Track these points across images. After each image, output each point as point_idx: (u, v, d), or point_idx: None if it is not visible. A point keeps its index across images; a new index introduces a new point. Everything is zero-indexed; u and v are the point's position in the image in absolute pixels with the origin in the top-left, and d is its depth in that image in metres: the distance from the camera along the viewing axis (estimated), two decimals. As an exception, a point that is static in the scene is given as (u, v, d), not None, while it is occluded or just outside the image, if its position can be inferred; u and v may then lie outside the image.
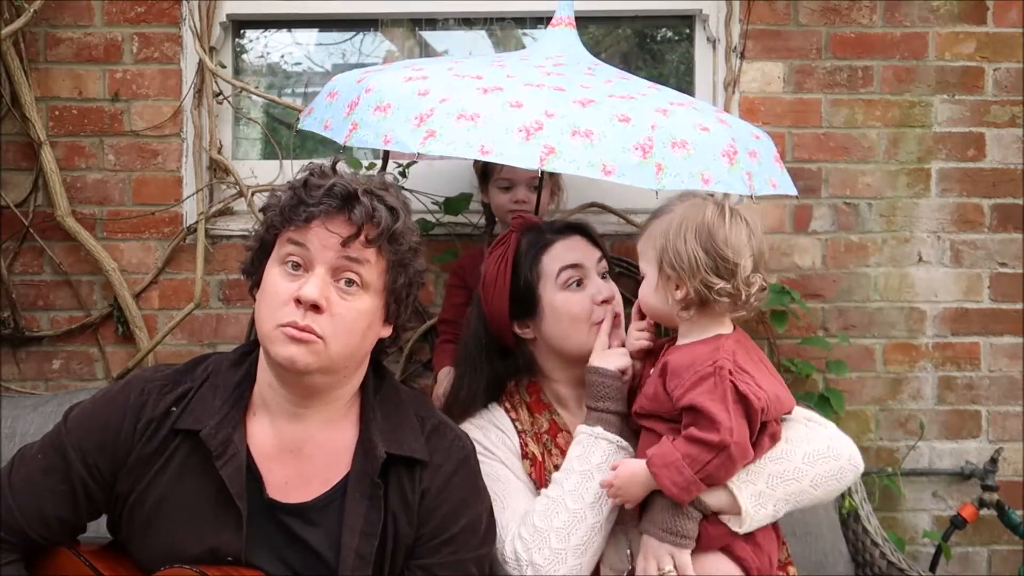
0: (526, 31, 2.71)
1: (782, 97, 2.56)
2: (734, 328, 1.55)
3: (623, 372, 1.62)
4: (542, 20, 2.57)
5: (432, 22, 2.69)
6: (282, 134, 2.67)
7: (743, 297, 1.47)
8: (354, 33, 2.73)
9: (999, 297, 2.59)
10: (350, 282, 1.37)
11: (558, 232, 1.72)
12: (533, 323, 1.70)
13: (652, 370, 1.57)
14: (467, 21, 2.68)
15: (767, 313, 2.43)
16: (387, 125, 1.52)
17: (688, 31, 2.69)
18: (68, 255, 2.50)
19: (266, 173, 2.51)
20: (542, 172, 2.10)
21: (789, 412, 1.57)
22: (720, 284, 1.45)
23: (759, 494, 1.47)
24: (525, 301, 1.69)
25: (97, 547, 1.47)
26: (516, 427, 1.69)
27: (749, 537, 1.49)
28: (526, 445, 1.67)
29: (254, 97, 2.63)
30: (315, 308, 1.34)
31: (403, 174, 2.43)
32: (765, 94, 2.56)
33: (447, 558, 1.44)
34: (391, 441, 1.44)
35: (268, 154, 2.65)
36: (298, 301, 1.34)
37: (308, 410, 1.43)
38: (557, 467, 1.61)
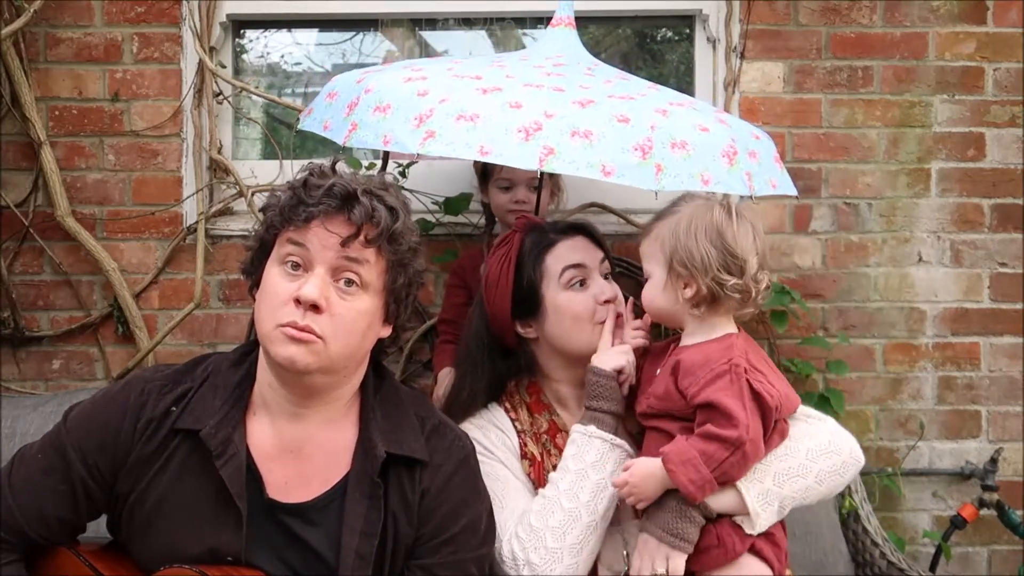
0: (526, 31, 2.71)
1: (782, 97, 2.56)
2: (739, 328, 1.57)
3: (620, 372, 1.62)
4: (542, 20, 2.57)
5: (432, 22, 2.69)
6: (282, 134, 2.67)
7: (753, 294, 1.50)
8: (354, 33, 2.73)
9: (999, 297, 2.59)
10: (350, 282, 1.37)
11: (561, 232, 1.73)
12: (536, 323, 1.70)
13: (659, 369, 1.58)
14: (467, 21, 2.68)
15: (767, 313, 2.44)
16: (386, 125, 1.52)
17: (688, 31, 2.69)
18: (68, 255, 2.50)
19: (266, 173, 2.51)
20: (541, 172, 2.10)
21: (795, 411, 1.58)
22: (732, 281, 1.48)
23: (766, 492, 1.47)
24: (528, 301, 1.69)
25: (97, 547, 1.47)
26: (516, 427, 1.70)
27: (767, 536, 1.50)
28: (525, 445, 1.68)
29: (254, 97, 2.63)
30: (315, 308, 1.34)
31: (403, 174, 2.43)
32: (765, 94, 2.56)
33: (447, 558, 1.44)
34: (391, 441, 1.44)
35: (268, 154, 2.65)
36: (298, 301, 1.34)
37: (308, 410, 1.43)
38: (556, 467, 1.61)
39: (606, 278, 1.72)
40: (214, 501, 1.38)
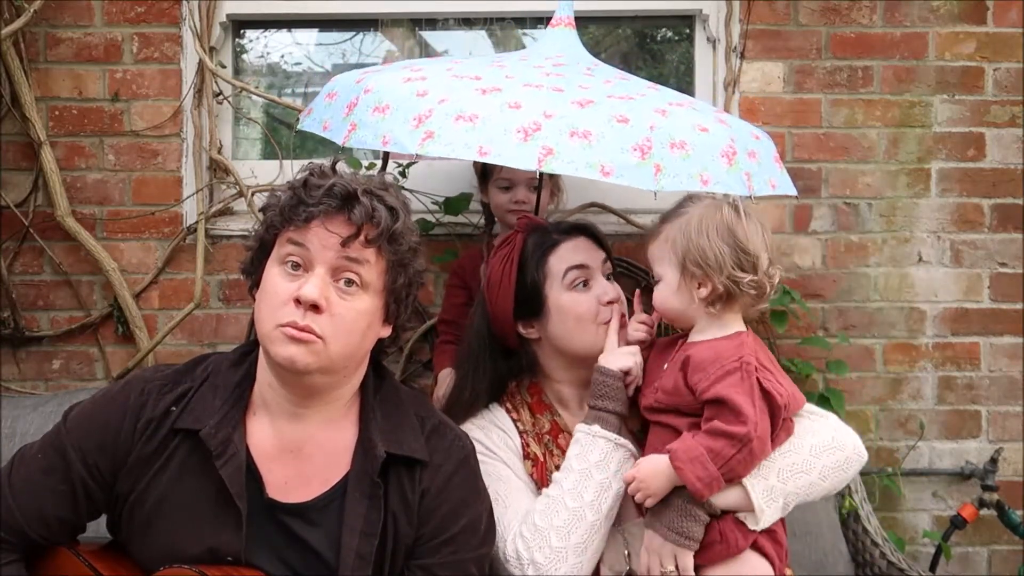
0: (526, 31, 2.71)
1: (782, 97, 2.56)
2: (748, 327, 1.58)
3: (626, 372, 1.62)
4: (542, 20, 2.57)
5: (432, 22, 2.70)
6: (282, 134, 2.68)
7: (768, 289, 1.53)
8: (354, 33, 2.73)
9: (999, 297, 2.59)
10: (350, 282, 1.37)
11: (564, 233, 1.73)
12: (538, 323, 1.70)
13: (666, 364, 1.58)
14: (467, 21, 2.68)
15: (767, 313, 2.43)
16: (386, 126, 1.52)
17: (688, 31, 2.69)
18: (68, 255, 2.50)
19: (266, 173, 2.51)
20: (541, 173, 2.10)
21: (801, 409, 1.59)
22: (748, 278, 1.50)
23: (770, 489, 1.48)
24: (531, 301, 1.69)
25: (97, 547, 1.47)
26: (518, 427, 1.70)
27: (770, 532, 1.51)
28: (528, 445, 1.68)
29: (254, 97, 2.63)
30: (315, 308, 1.34)
31: (403, 174, 2.43)
32: (765, 94, 2.56)
33: (447, 558, 1.44)
34: (391, 441, 1.44)
35: (268, 154, 2.65)
36: (298, 301, 1.34)
37: (308, 410, 1.44)
38: (559, 467, 1.61)
39: (608, 279, 1.72)
40: (214, 501, 1.38)
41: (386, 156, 2.17)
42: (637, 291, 1.67)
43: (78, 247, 2.48)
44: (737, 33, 2.55)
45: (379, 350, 1.50)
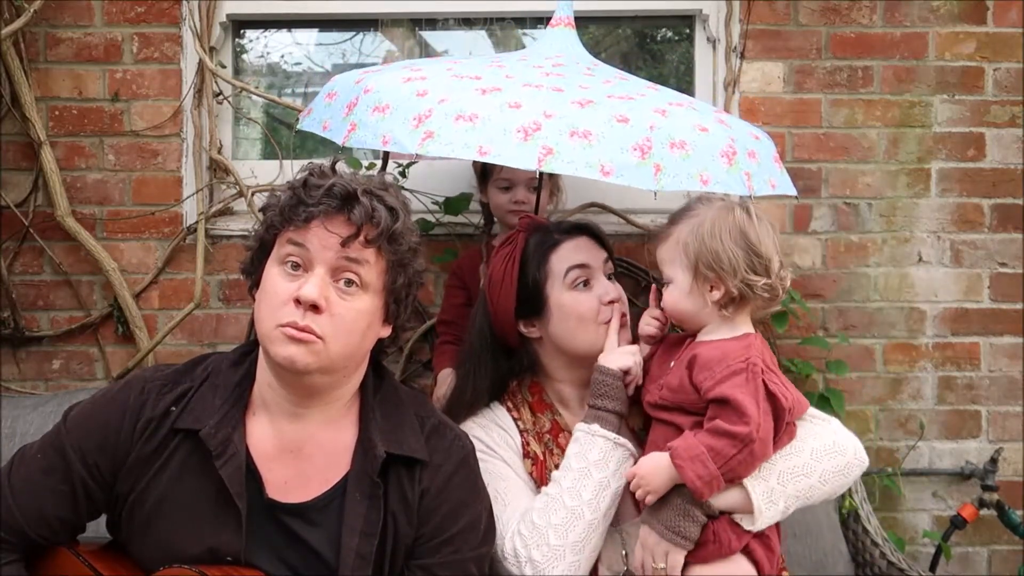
0: (526, 31, 2.71)
1: (782, 97, 2.56)
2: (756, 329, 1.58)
3: (626, 372, 1.62)
4: (542, 20, 2.56)
5: (432, 22, 2.70)
6: (282, 134, 2.67)
7: (780, 292, 1.53)
8: (354, 33, 2.73)
9: (999, 297, 2.59)
10: (349, 282, 1.37)
11: (565, 232, 1.73)
12: (539, 322, 1.71)
13: (673, 361, 1.58)
14: (467, 21, 2.68)
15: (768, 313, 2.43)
16: (385, 126, 1.52)
17: (688, 31, 2.69)
18: (68, 255, 2.50)
19: (266, 173, 2.51)
20: (541, 173, 2.10)
21: (804, 413, 1.59)
22: (762, 281, 1.50)
23: (770, 491, 1.48)
24: (532, 300, 1.69)
25: (97, 547, 1.47)
26: (518, 426, 1.70)
27: (762, 537, 1.51)
28: (528, 444, 1.68)
29: (254, 97, 2.63)
30: (314, 308, 1.34)
31: (403, 174, 2.43)
32: (765, 94, 2.56)
33: (447, 558, 1.45)
34: (391, 441, 1.44)
35: (268, 154, 2.65)
36: (298, 301, 1.34)
37: (308, 410, 1.44)
38: (558, 466, 1.61)
39: (609, 278, 1.73)
40: (214, 501, 1.39)
41: (386, 156, 2.17)
42: (654, 286, 1.67)
43: (78, 247, 2.48)
44: (737, 33, 2.55)
45: (379, 350, 1.50)
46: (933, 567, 2.44)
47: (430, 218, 2.44)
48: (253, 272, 1.46)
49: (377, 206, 1.37)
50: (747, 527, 1.48)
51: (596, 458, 1.57)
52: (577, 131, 1.44)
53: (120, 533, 1.46)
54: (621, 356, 1.63)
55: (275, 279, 1.38)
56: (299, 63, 2.76)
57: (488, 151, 1.43)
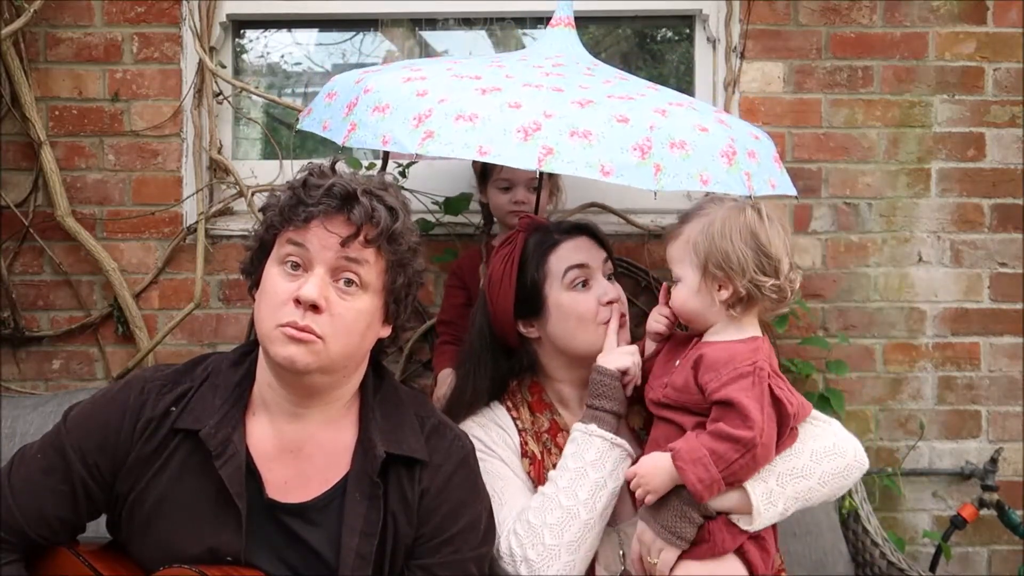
0: (526, 31, 2.71)
1: (782, 97, 2.56)
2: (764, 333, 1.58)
3: (624, 372, 1.62)
4: (542, 20, 2.56)
5: (432, 22, 2.70)
6: (282, 134, 2.68)
7: (789, 294, 1.53)
8: (354, 33, 2.73)
9: (999, 297, 2.59)
10: (349, 282, 1.37)
11: (565, 232, 1.73)
12: (538, 323, 1.71)
13: (678, 360, 1.58)
14: (467, 21, 2.68)
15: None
16: (385, 126, 1.52)
17: (688, 31, 2.69)
18: (68, 255, 2.50)
19: (266, 173, 2.51)
20: (541, 173, 2.10)
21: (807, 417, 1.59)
22: (771, 282, 1.49)
23: (770, 492, 1.47)
24: (531, 300, 1.69)
25: (97, 547, 1.47)
26: (517, 426, 1.70)
27: (757, 539, 1.51)
28: (526, 444, 1.68)
29: (254, 97, 2.63)
30: (314, 308, 1.34)
31: (403, 174, 2.43)
32: (765, 94, 2.56)
33: (447, 558, 1.44)
34: (391, 441, 1.44)
35: (268, 154, 2.65)
36: (297, 301, 1.34)
37: (308, 410, 1.44)
38: (556, 466, 1.61)
39: (609, 279, 1.72)
40: (214, 501, 1.39)
41: (386, 156, 2.17)
42: (664, 284, 1.67)
43: (78, 247, 2.48)
44: (737, 33, 2.55)
45: (379, 350, 1.50)
46: (933, 567, 2.43)
47: (430, 218, 2.44)
48: (253, 272, 1.46)
49: (377, 206, 1.37)
50: (745, 527, 1.48)
51: (593, 458, 1.57)
52: (577, 131, 1.44)
53: (120, 533, 1.46)
54: (620, 356, 1.63)
55: (275, 279, 1.38)
56: (299, 63, 2.76)
57: (488, 151, 1.43)
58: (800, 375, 2.46)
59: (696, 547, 1.49)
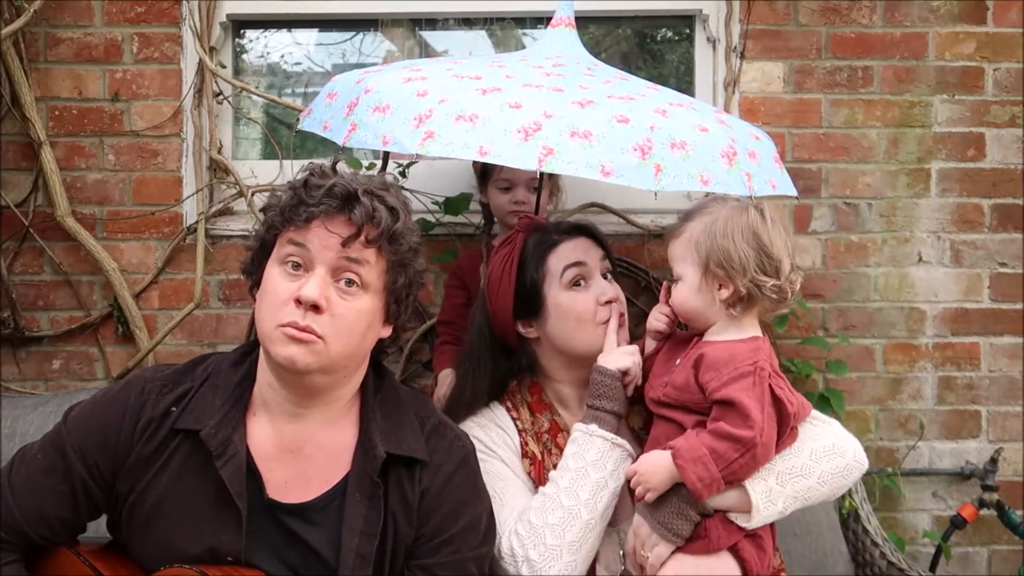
0: (526, 31, 2.72)
1: (782, 97, 2.56)
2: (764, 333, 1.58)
3: (625, 372, 1.62)
4: (542, 20, 2.57)
5: (432, 22, 2.70)
6: (282, 134, 2.67)
7: (789, 294, 1.53)
8: (354, 33, 2.73)
9: (999, 297, 2.59)
10: (350, 282, 1.37)
11: (564, 233, 1.73)
12: (537, 323, 1.71)
13: (679, 359, 1.58)
14: (467, 21, 2.68)
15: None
16: (386, 126, 1.52)
17: (688, 31, 2.69)
18: (68, 255, 2.50)
19: (266, 173, 2.51)
20: (541, 173, 2.10)
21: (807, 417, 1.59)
22: (771, 282, 1.50)
23: (769, 491, 1.47)
24: (530, 300, 1.69)
25: (97, 547, 1.47)
26: (517, 426, 1.70)
27: (754, 537, 1.51)
28: (526, 444, 1.68)
29: (254, 97, 2.63)
30: (315, 308, 1.34)
31: (403, 174, 2.43)
32: (765, 94, 2.56)
33: (447, 558, 1.44)
34: (391, 441, 1.44)
35: (268, 154, 2.65)
36: (298, 301, 1.34)
37: (308, 410, 1.44)
38: (556, 466, 1.62)
39: (607, 278, 1.72)
40: (214, 501, 1.39)
41: (386, 156, 2.18)
42: (665, 283, 1.67)
43: (78, 247, 2.48)
44: (737, 33, 2.55)
45: (379, 350, 1.50)
46: (933, 567, 2.44)
47: (430, 218, 2.44)
48: (254, 272, 1.46)
49: (378, 206, 1.37)
50: (743, 525, 1.48)
51: (593, 458, 1.57)
52: (577, 131, 1.45)
53: (120, 533, 1.46)
54: (620, 357, 1.63)
55: (276, 279, 1.38)
56: (299, 63, 2.76)
57: (488, 151, 1.43)
58: (800, 375, 2.47)
59: (691, 543, 1.49)
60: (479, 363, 1.74)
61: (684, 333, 1.67)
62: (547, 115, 1.46)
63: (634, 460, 1.57)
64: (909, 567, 2.12)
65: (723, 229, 1.51)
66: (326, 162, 1.44)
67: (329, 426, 1.46)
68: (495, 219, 2.34)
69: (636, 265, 2.49)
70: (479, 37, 2.71)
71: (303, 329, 1.33)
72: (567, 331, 1.68)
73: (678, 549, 1.49)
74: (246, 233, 2.42)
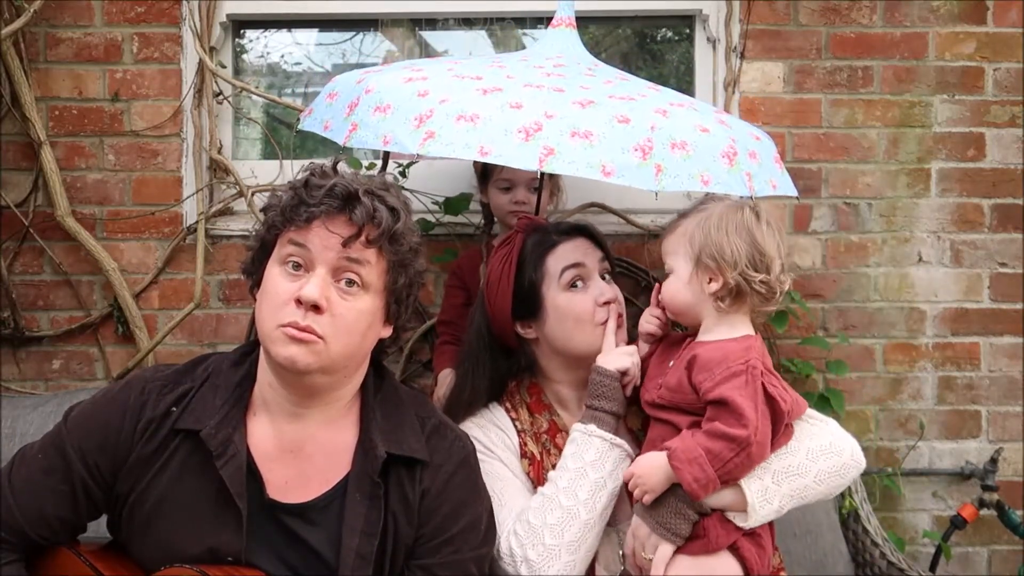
0: (526, 31, 2.72)
1: (782, 97, 2.56)
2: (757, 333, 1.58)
3: (624, 373, 1.62)
4: (542, 20, 2.57)
5: (432, 22, 2.69)
6: (282, 134, 2.67)
7: (777, 292, 1.54)
8: (354, 33, 2.73)
9: (999, 297, 2.59)
10: (351, 282, 1.37)
11: (563, 233, 1.73)
12: (536, 323, 1.71)
13: (672, 361, 1.59)
14: (467, 21, 2.68)
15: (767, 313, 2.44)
16: (387, 126, 1.52)
17: (688, 31, 2.69)
18: (68, 255, 2.50)
19: (266, 173, 2.51)
20: (542, 173, 2.10)
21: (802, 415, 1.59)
22: (760, 276, 1.51)
23: (765, 490, 1.47)
24: (529, 301, 1.69)
25: (97, 547, 1.47)
26: (516, 426, 1.70)
27: (754, 536, 1.51)
28: (525, 444, 1.68)
29: (254, 97, 2.63)
30: (315, 308, 1.34)
31: (403, 174, 2.43)
32: (765, 94, 2.56)
33: (447, 558, 1.44)
34: (391, 441, 1.44)
35: (268, 154, 2.65)
36: (299, 301, 1.34)
37: (308, 410, 1.44)
38: (555, 467, 1.62)
39: (605, 279, 1.72)
40: (214, 501, 1.39)
41: (386, 156, 2.17)
42: (657, 284, 1.68)
43: (78, 247, 2.48)
44: (737, 33, 2.55)
45: (379, 350, 1.50)
46: (933, 567, 2.44)
47: (430, 218, 2.44)
48: (254, 272, 1.46)
49: (378, 206, 1.37)
50: (740, 524, 1.48)
51: (592, 458, 1.57)
52: (578, 131, 1.45)
53: (120, 533, 1.46)
54: (619, 357, 1.64)
55: (276, 279, 1.38)
56: (299, 63, 2.76)
57: (489, 151, 1.43)
58: (800, 375, 2.47)
59: (691, 543, 1.49)
60: (478, 363, 1.74)
61: (677, 335, 1.68)
62: (548, 115, 1.46)
63: (633, 460, 1.57)
64: (909, 567, 2.12)
65: (717, 224, 1.53)
66: (327, 162, 1.44)
67: (329, 426, 1.46)
68: (495, 219, 2.34)
69: (636, 265, 2.49)
70: (479, 37, 2.71)
71: (303, 329, 1.33)
72: (566, 332, 1.68)
73: (678, 549, 1.49)
74: (246, 233, 2.42)
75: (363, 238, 1.36)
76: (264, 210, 1.46)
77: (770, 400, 1.47)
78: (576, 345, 1.68)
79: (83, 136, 2.50)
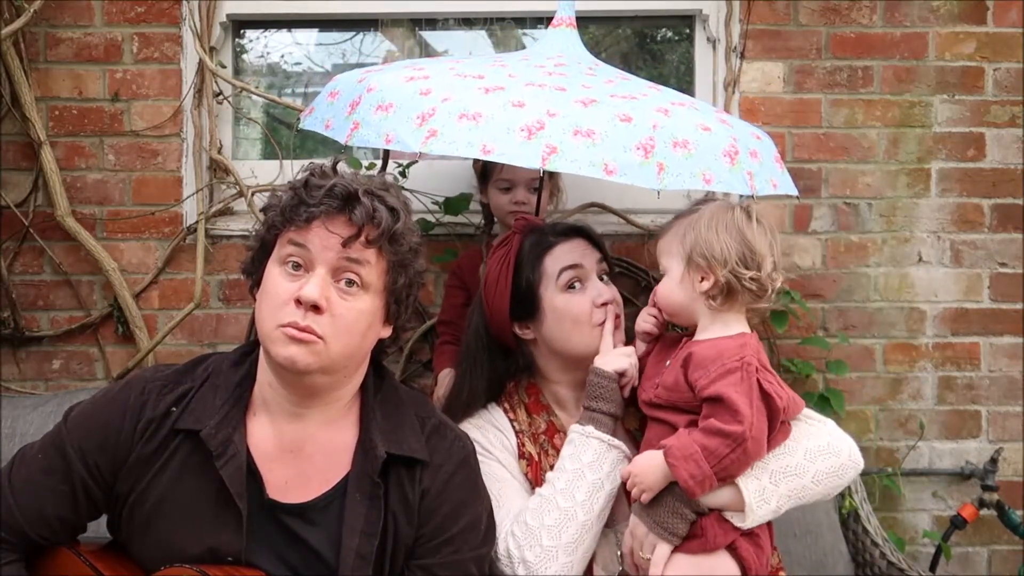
0: (526, 31, 2.72)
1: (782, 97, 2.56)
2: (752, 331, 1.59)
3: (621, 374, 1.62)
4: (542, 20, 2.57)
5: (432, 22, 2.69)
6: (282, 134, 2.67)
7: (768, 290, 1.54)
8: (354, 33, 2.73)
9: (999, 297, 2.59)
10: (350, 282, 1.37)
11: (560, 234, 1.73)
12: (534, 324, 1.71)
13: (669, 360, 1.59)
14: (467, 21, 2.68)
15: (767, 313, 2.43)
16: (389, 124, 1.52)
17: (688, 31, 2.70)
18: (68, 255, 2.50)
19: (266, 173, 2.51)
20: (542, 173, 2.10)
21: (799, 413, 1.59)
22: (750, 274, 1.52)
23: (762, 490, 1.47)
24: (526, 302, 1.69)
25: (97, 547, 1.47)
26: (514, 427, 1.70)
27: (752, 536, 1.51)
28: (523, 445, 1.68)
29: (254, 97, 2.63)
30: (315, 308, 1.34)
31: (403, 174, 2.43)
32: (765, 94, 2.56)
33: (447, 558, 1.44)
34: (391, 441, 1.44)
35: (268, 154, 2.65)
36: (298, 301, 1.34)
37: (308, 410, 1.44)
38: (553, 467, 1.62)
39: (603, 280, 1.72)
40: (214, 501, 1.39)
41: (386, 156, 2.17)
42: (654, 289, 1.68)
43: (78, 247, 2.47)
44: (737, 33, 2.55)
45: (379, 350, 1.50)
46: (933, 567, 2.44)
47: (430, 218, 2.44)
48: (254, 272, 1.46)
49: (378, 206, 1.37)
50: (737, 524, 1.49)
51: (590, 459, 1.57)
52: (581, 130, 1.45)
53: (120, 533, 1.46)
54: (617, 358, 1.64)
55: (276, 279, 1.38)
56: (299, 63, 2.75)
57: (492, 150, 1.43)
58: (800, 375, 2.47)
59: (688, 542, 1.49)
60: (476, 364, 1.74)
61: (673, 335, 1.68)
62: (550, 114, 1.46)
63: (630, 461, 1.57)
64: (909, 567, 2.12)
65: (707, 223, 1.55)
66: (326, 162, 1.44)
67: (329, 426, 1.46)
68: (495, 219, 2.34)
69: (636, 265, 2.49)
70: (479, 37, 2.71)
71: (303, 329, 1.33)
72: (563, 333, 1.68)
73: (675, 549, 1.49)
74: (246, 233, 2.42)
75: (363, 238, 1.36)
76: (264, 210, 1.46)
77: (765, 396, 1.47)
78: (574, 346, 1.68)
79: (83, 136, 2.50)
